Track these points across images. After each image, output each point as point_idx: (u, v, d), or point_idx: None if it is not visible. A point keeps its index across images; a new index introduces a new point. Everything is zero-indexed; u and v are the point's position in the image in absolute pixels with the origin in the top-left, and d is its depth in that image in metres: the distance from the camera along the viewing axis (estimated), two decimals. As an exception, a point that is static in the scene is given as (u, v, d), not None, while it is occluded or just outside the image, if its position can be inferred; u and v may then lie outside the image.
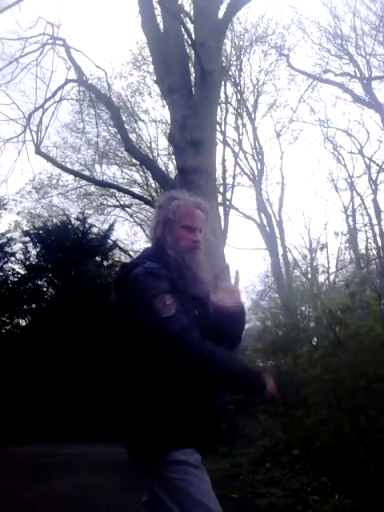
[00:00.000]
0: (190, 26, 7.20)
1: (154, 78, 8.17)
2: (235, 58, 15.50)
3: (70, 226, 11.93)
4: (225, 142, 15.94)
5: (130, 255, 18.87)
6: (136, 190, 16.64)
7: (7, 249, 11.02)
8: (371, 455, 3.44)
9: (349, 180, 17.54)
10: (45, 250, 11.30)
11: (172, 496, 1.57)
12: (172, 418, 1.64)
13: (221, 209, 14.20)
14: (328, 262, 17.86)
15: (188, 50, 8.04)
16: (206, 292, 1.76)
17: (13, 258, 11.14)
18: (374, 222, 16.65)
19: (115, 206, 17.75)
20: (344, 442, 3.76)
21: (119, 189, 13.23)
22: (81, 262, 10.61)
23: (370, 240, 17.45)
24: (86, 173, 15.19)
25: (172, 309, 1.62)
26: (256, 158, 17.00)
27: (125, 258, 19.03)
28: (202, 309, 1.71)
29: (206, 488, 1.58)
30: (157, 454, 1.62)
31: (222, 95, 14.65)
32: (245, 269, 21.25)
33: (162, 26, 7.21)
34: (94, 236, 12.39)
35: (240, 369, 1.70)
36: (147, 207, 16.05)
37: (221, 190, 15.07)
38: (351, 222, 17.58)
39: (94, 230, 13.37)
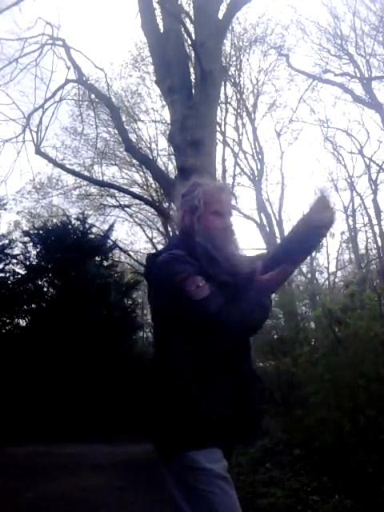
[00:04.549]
0: (190, 26, 7.19)
1: (154, 79, 8.18)
2: (235, 58, 15.50)
3: (70, 226, 11.92)
4: (225, 142, 15.94)
5: (129, 255, 18.90)
6: (136, 190, 16.66)
7: (8, 250, 11.01)
8: (371, 455, 3.45)
9: (349, 180, 17.58)
10: (45, 250, 11.29)
11: (193, 506, 1.50)
12: (195, 412, 1.54)
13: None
14: (328, 262, 17.89)
15: (188, 50, 8.03)
16: (242, 272, 1.65)
17: (14, 260, 11.14)
18: (374, 222, 16.69)
19: (115, 207, 17.76)
20: (344, 442, 3.76)
21: (119, 189, 13.23)
22: (81, 262, 10.61)
23: (370, 240, 17.49)
24: (86, 174, 15.20)
25: (206, 289, 1.54)
26: (256, 158, 17.01)
27: (125, 258, 19.09)
28: (234, 296, 1.61)
29: (230, 502, 1.49)
30: (177, 450, 1.54)
31: (222, 95, 14.66)
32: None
33: (161, 26, 7.21)
34: (93, 236, 12.40)
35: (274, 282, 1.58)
36: (147, 207, 16.07)
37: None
38: (351, 222, 17.61)
39: (94, 230, 13.38)
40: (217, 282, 1.59)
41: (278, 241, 16.49)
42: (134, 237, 20.13)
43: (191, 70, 7.42)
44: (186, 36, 6.94)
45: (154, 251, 2.18)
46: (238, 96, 16.28)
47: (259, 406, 1.70)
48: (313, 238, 1.56)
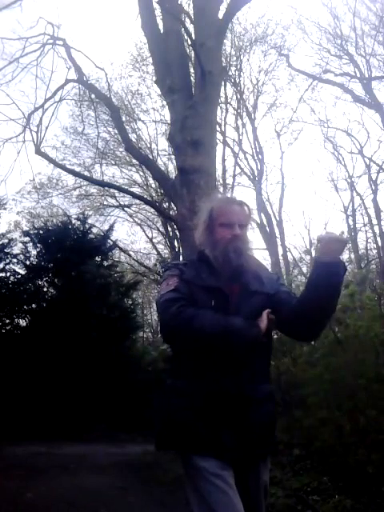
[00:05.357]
0: (190, 26, 7.19)
1: (154, 79, 8.17)
2: (235, 58, 15.50)
3: (70, 227, 11.92)
4: (225, 142, 15.96)
5: (129, 255, 18.91)
6: (136, 190, 16.66)
7: (8, 250, 11.00)
8: (371, 455, 3.44)
9: (349, 180, 17.57)
10: (45, 250, 11.29)
11: (193, 498, 1.61)
12: (164, 413, 1.72)
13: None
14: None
15: (188, 50, 8.03)
16: (244, 283, 1.74)
17: (14, 260, 11.14)
18: (374, 222, 16.69)
19: (115, 207, 17.77)
20: (344, 442, 3.76)
21: (119, 189, 13.21)
22: (81, 263, 10.61)
23: (369, 240, 17.49)
24: (86, 174, 15.20)
25: (171, 287, 1.70)
26: (256, 158, 17.01)
27: (125, 258, 19.11)
28: (222, 301, 1.69)
29: (224, 499, 1.55)
30: (181, 456, 1.69)
31: (222, 95, 14.67)
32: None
33: (161, 26, 7.21)
34: (94, 236, 12.39)
35: (222, 326, 1.60)
36: (147, 207, 16.07)
37: (221, 189, 15.07)
38: (351, 222, 17.60)
39: (94, 230, 13.38)
40: (203, 286, 1.72)
41: (278, 241, 16.52)
42: (134, 237, 20.18)
43: (191, 70, 7.43)
44: (186, 36, 6.93)
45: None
46: (238, 96, 16.29)
47: (253, 428, 1.67)
48: (322, 277, 1.59)
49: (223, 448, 1.60)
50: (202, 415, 1.63)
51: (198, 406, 1.63)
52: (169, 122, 8.61)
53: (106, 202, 17.89)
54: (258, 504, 1.71)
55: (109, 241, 12.84)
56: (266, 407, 1.73)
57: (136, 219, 18.60)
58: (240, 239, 1.78)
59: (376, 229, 16.60)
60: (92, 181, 13.36)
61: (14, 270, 11.12)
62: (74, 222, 12.44)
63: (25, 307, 10.78)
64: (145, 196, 15.48)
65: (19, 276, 11.07)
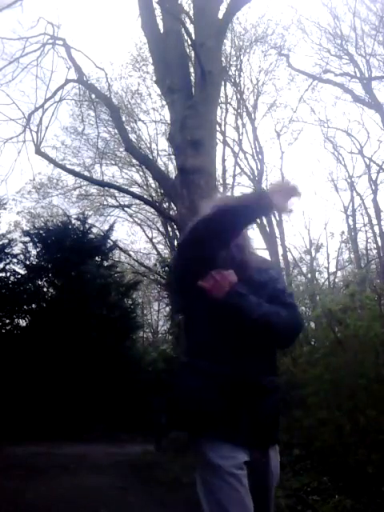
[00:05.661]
0: (190, 26, 7.19)
1: (154, 79, 8.17)
2: (235, 58, 15.49)
3: (70, 227, 11.93)
4: (225, 142, 15.95)
5: (129, 255, 18.91)
6: (136, 190, 16.65)
7: (8, 250, 11.01)
8: (371, 455, 3.44)
9: (349, 180, 17.54)
10: (45, 250, 11.30)
11: (205, 495, 1.60)
12: (178, 393, 1.71)
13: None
14: (328, 262, 17.87)
15: (188, 50, 8.03)
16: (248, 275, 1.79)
17: (14, 260, 11.14)
18: (374, 222, 16.67)
19: (115, 207, 17.77)
20: (344, 442, 3.76)
21: (119, 189, 13.21)
22: (81, 263, 10.61)
23: (369, 240, 17.49)
24: (86, 174, 15.19)
25: None
26: (256, 158, 16.98)
27: (125, 258, 19.12)
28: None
29: (237, 498, 1.56)
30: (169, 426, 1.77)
31: (222, 95, 14.66)
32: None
33: (161, 26, 7.21)
34: (94, 236, 12.40)
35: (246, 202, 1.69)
36: (147, 207, 16.07)
37: (221, 189, 15.06)
38: (351, 222, 17.58)
39: (94, 230, 13.38)
40: None
41: (278, 241, 16.51)
42: (134, 237, 20.17)
43: (191, 69, 7.42)
44: (185, 36, 6.93)
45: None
46: (238, 96, 16.27)
47: (264, 417, 1.70)
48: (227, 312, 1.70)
49: (238, 432, 1.61)
50: (221, 398, 1.63)
51: (219, 387, 1.64)
52: (169, 121, 8.62)
53: (105, 202, 17.90)
54: (266, 499, 1.76)
55: (109, 241, 12.86)
56: (274, 399, 1.78)
57: (136, 219, 18.62)
58: (241, 236, 1.81)
59: (376, 229, 16.60)
60: (92, 181, 13.36)
61: (14, 270, 11.14)
62: (73, 221, 12.46)
63: (25, 307, 10.79)
64: (145, 196, 15.47)
65: (19, 276, 11.08)
